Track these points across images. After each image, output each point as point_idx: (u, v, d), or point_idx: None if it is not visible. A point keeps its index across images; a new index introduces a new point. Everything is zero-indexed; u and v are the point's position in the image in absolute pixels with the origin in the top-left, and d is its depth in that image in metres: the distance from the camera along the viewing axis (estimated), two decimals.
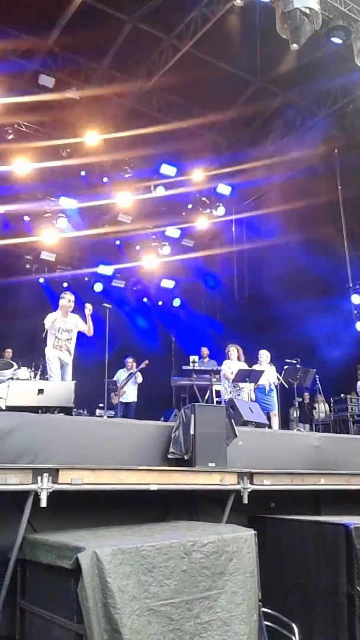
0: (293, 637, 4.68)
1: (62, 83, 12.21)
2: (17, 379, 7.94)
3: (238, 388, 9.57)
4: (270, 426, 9.13)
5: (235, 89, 13.61)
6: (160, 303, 18.30)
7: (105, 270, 16.46)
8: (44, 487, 4.44)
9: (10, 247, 14.94)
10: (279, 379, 9.84)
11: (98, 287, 16.49)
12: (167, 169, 14.76)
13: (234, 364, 9.83)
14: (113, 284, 16.91)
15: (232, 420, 6.09)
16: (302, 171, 13.99)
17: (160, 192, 15.08)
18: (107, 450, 5.33)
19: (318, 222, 13.75)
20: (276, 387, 9.98)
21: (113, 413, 10.92)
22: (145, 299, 18.12)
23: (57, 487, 4.50)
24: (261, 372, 9.60)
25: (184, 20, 11.74)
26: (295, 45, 8.76)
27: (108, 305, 8.84)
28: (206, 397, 11.28)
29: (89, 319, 8.08)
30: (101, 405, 10.55)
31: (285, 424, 11.59)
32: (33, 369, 8.98)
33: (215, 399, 11.07)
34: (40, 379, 8.61)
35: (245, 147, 15.25)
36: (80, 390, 6.31)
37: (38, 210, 14.60)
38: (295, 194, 13.91)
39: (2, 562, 4.47)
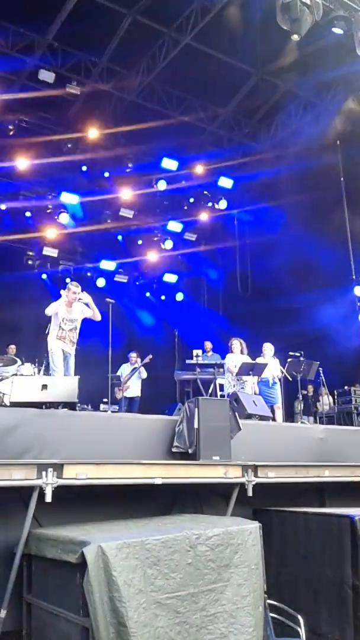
0: (299, 629, 4.70)
1: (62, 78, 12.17)
2: (21, 374, 7.92)
3: (242, 381, 9.58)
4: (274, 419, 9.13)
5: (236, 82, 13.53)
6: (163, 297, 18.26)
7: (108, 265, 16.43)
8: (49, 482, 4.46)
9: (13, 243, 14.93)
10: (282, 372, 9.84)
11: (101, 282, 16.45)
12: (169, 163, 14.70)
13: (237, 357, 9.82)
14: (116, 279, 16.87)
15: (236, 414, 6.11)
16: (305, 163, 13.90)
17: (162, 186, 15.03)
18: (112, 445, 5.35)
19: (321, 213, 13.69)
20: (280, 380, 9.98)
21: (117, 408, 10.93)
22: (148, 294, 18.08)
23: (62, 482, 4.52)
24: (265, 365, 9.62)
25: (184, 12, 11.69)
26: (295, 36, 8.71)
27: (111, 301, 8.81)
28: (210, 391, 11.30)
29: (93, 305, 7.94)
30: (105, 400, 10.58)
31: (289, 416, 11.60)
32: (37, 364, 8.96)
33: (219, 393, 11.09)
34: (44, 374, 8.58)
35: (247, 139, 15.20)
36: (84, 385, 6.29)
37: (39, 205, 14.60)
38: (298, 186, 13.82)
39: (8, 556, 4.50)
